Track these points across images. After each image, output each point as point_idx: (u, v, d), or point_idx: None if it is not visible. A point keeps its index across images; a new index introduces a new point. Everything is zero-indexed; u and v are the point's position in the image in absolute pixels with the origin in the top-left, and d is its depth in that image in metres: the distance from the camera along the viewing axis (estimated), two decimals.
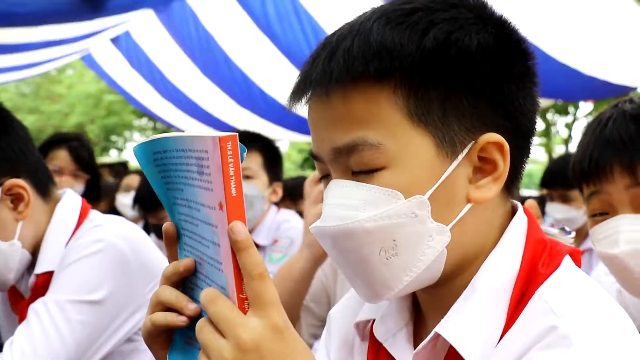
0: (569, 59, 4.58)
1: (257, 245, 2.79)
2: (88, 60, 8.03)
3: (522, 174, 0.94)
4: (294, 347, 0.73)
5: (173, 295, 0.82)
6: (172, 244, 0.87)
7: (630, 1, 4.10)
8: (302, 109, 0.93)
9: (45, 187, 1.71)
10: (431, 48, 0.82)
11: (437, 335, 0.86)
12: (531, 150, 0.94)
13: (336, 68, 0.83)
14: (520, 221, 0.91)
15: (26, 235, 1.64)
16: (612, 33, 4.36)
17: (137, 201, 3.84)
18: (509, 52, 0.87)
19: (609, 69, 4.70)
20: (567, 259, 0.88)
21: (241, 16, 5.42)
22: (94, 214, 1.76)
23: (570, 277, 0.86)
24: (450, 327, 0.85)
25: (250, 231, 2.79)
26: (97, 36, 6.26)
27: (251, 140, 2.71)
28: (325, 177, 0.92)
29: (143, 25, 6.40)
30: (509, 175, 0.88)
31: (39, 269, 1.65)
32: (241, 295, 0.73)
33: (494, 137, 0.85)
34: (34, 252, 1.68)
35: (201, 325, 0.75)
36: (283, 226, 2.79)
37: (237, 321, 0.72)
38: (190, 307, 0.80)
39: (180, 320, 0.80)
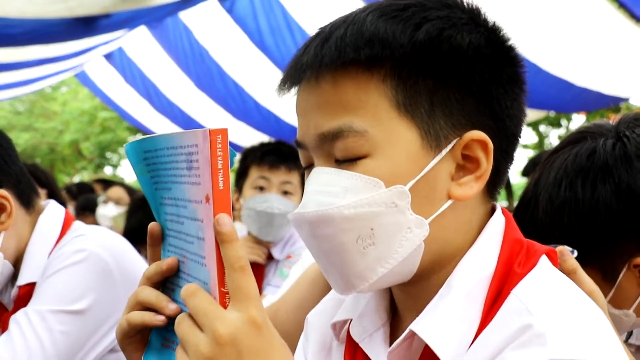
0: (560, 71, 4.60)
1: (272, 258, 2.73)
2: (82, 77, 8.05)
3: (505, 179, 0.94)
4: (271, 342, 0.73)
5: (153, 295, 0.81)
6: (156, 244, 0.86)
7: (620, 15, 4.12)
8: (292, 111, 0.92)
9: (28, 198, 1.69)
10: (423, 41, 0.83)
11: (413, 334, 0.85)
12: (515, 158, 0.94)
13: (327, 53, 0.84)
14: (497, 221, 0.90)
15: (8, 246, 1.62)
16: (603, 45, 4.38)
17: (127, 232, 3.69)
18: (500, 55, 0.88)
19: (600, 80, 4.72)
20: (544, 259, 0.88)
21: (234, 30, 5.44)
22: (77, 225, 1.74)
23: (546, 276, 0.85)
24: (425, 325, 0.84)
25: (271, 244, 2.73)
26: (91, 53, 6.27)
27: (296, 157, 2.67)
28: (308, 168, 0.91)
29: (136, 40, 6.41)
30: (491, 178, 0.88)
31: (22, 280, 1.63)
32: (222, 289, 0.73)
33: (478, 134, 0.85)
34: (17, 263, 1.66)
35: (180, 319, 0.74)
36: (298, 243, 2.75)
37: (215, 314, 0.72)
38: (171, 307, 0.79)
39: (158, 319, 0.79)
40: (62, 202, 3.32)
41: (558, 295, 0.81)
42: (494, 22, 0.90)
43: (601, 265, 1.21)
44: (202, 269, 0.76)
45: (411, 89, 0.84)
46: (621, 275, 1.20)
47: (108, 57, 7.02)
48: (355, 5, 4.09)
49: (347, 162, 0.84)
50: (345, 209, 0.81)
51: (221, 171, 0.71)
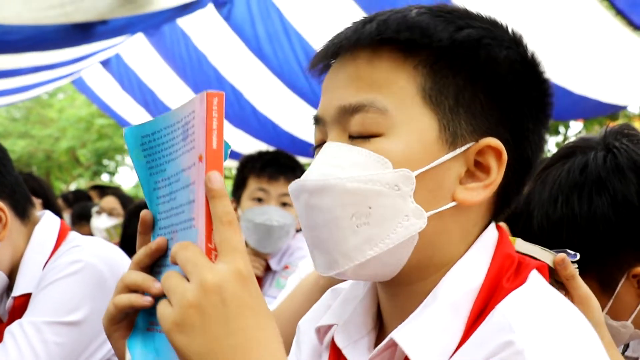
0: (559, 79, 4.60)
1: (269, 269, 2.71)
2: (79, 84, 8.05)
3: (512, 206, 0.93)
4: (255, 296, 0.74)
5: (140, 277, 0.80)
6: (147, 232, 0.85)
7: (618, 22, 4.13)
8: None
9: (23, 209, 1.69)
10: (462, 41, 0.85)
11: (394, 343, 0.83)
12: (524, 187, 0.93)
13: (368, 30, 0.86)
14: (490, 235, 0.90)
15: (3, 257, 1.62)
16: (601, 52, 4.38)
17: (124, 241, 3.60)
18: (532, 79, 0.90)
19: (599, 88, 4.72)
20: (534, 274, 0.86)
21: (232, 37, 5.44)
22: (73, 235, 1.73)
23: (534, 292, 0.83)
24: (405, 333, 0.82)
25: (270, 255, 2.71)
26: (88, 60, 6.27)
27: (294, 168, 2.68)
28: (320, 146, 0.91)
29: (134, 47, 6.42)
30: (498, 198, 0.88)
31: (17, 291, 1.62)
32: (209, 245, 0.74)
33: (494, 141, 0.85)
34: (11, 274, 1.65)
35: (169, 274, 0.74)
36: (296, 254, 2.72)
37: (204, 264, 0.72)
38: (157, 286, 0.77)
39: (145, 299, 0.78)
40: (58, 212, 3.30)
41: (543, 312, 0.79)
42: (534, 54, 0.92)
43: (599, 277, 1.21)
44: (191, 231, 0.76)
45: (440, 81, 0.85)
46: (619, 285, 1.21)
47: (105, 63, 7.02)
48: (352, 11, 4.07)
49: (360, 138, 0.85)
50: (348, 182, 0.82)
51: (215, 131, 0.73)
